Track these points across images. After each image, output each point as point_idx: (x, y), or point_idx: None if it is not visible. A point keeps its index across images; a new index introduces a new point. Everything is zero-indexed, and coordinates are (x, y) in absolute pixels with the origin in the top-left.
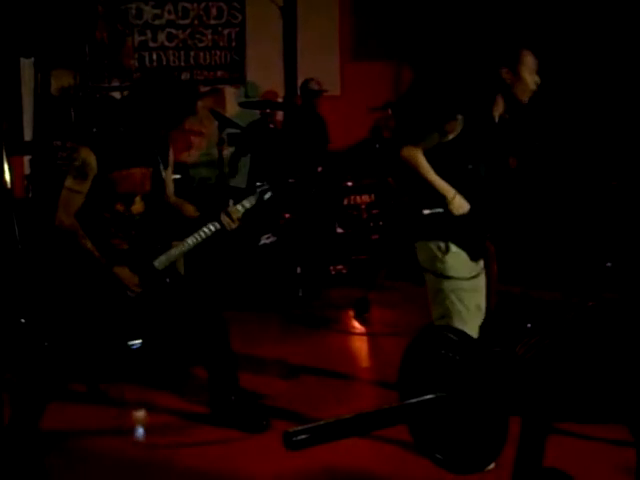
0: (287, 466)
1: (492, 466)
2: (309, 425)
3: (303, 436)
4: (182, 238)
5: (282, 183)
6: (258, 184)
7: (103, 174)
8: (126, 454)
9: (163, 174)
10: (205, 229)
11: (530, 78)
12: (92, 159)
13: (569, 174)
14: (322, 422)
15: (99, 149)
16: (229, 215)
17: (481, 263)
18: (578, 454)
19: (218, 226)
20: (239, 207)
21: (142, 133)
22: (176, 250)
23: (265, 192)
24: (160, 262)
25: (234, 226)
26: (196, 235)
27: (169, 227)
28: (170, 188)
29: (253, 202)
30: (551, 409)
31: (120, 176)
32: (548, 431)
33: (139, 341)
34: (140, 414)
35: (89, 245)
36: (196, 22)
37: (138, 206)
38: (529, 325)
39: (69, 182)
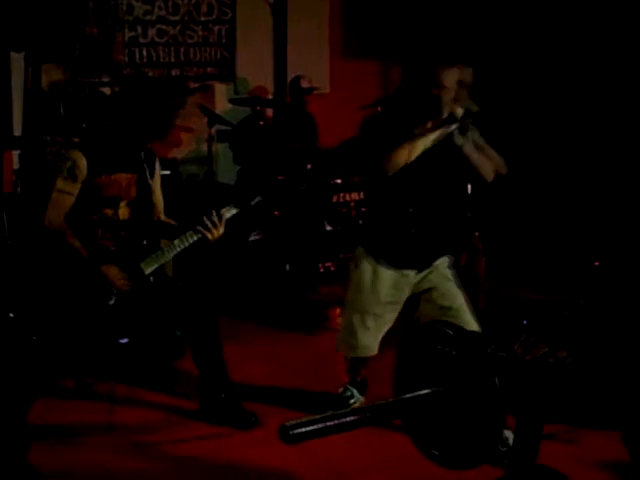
0: (276, 462)
1: None
2: (305, 419)
3: (299, 430)
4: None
5: (270, 188)
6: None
7: (90, 178)
8: (114, 450)
9: (150, 182)
10: (190, 233)
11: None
12: (82, 162)
13: (558, 174)
14: (318, 416)
15: (89, 153)
16: (212, 220)
17: None
18: (572, 457)
19: (202, 231)
20: (224, 212)
21: (128, 139)
22: (162, 254)
23: (252, 198)
24: (147, 264)
25: (216, 232)
26: (182, 238)
27: (157, 232)
28: (160, 206)
29: (237, 209)
30: (547, 409)
31: (106, 180)
32: (542, 430)
33: (127, 338)
34: (128, 410)
35: (77, 244)
36: (186, 18)
37: (124, 211)
38: (525, 322)
39: (60, 184)
